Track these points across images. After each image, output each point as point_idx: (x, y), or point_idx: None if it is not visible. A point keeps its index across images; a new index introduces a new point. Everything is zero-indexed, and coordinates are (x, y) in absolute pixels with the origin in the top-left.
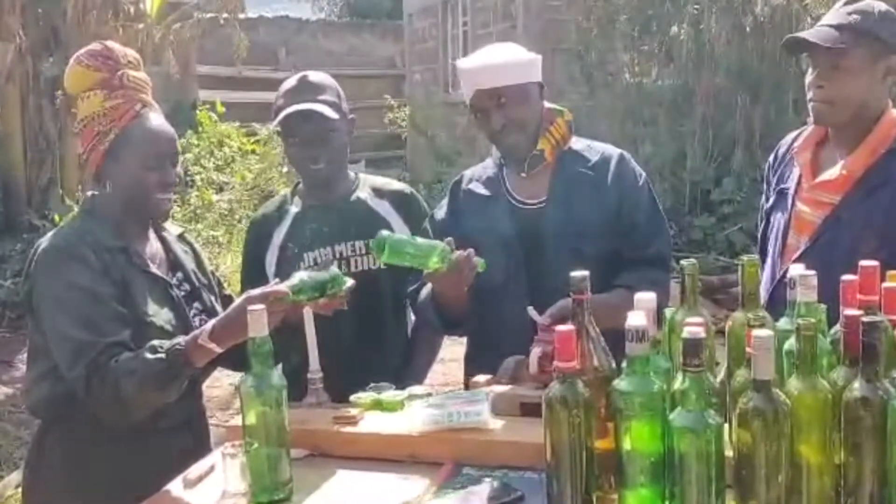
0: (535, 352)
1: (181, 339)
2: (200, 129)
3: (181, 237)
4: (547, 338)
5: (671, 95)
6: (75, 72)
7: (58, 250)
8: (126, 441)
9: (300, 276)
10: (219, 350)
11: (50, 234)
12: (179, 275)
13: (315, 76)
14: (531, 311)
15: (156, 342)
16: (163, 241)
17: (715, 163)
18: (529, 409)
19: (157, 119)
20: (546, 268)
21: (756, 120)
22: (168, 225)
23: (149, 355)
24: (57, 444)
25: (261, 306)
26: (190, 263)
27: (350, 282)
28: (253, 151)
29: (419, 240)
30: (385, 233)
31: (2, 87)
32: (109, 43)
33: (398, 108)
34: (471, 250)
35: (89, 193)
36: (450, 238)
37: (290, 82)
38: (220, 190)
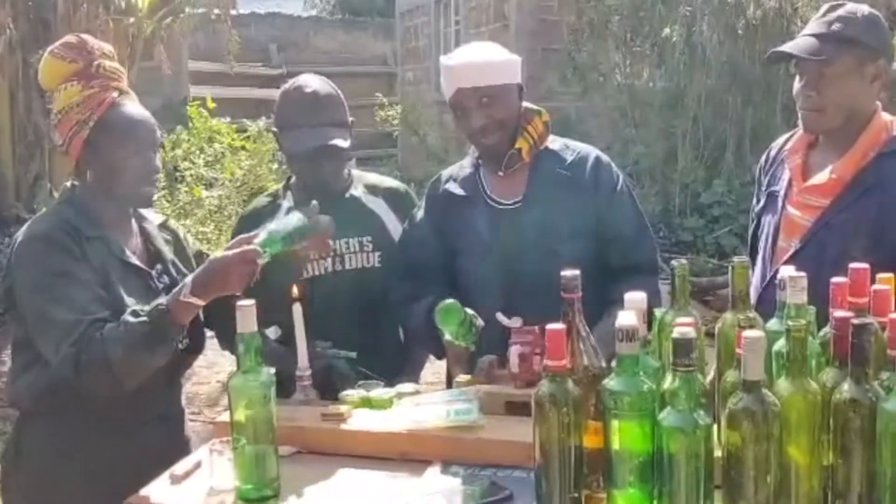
0: (514, 350)
1: (163, 300)
2: (191, 124)
3: (164, 225)
4: (523, 339)
5: (663, 97)
6: (50, 64)
7: (35, 238)
8: (104, 435)
9: (268, 227)
10: (201, 303)
11: (26, 225)
12: (159, 267)
13: (323, 89)
14: (500, 316)
15: (136, 307)
16: (143, 232)
17: (705, 165)
18: (515, 408)
19: (134, 106)
20: (522, 267)
21: (747, 122)
22: (151, 214)
23: (132, 319)
24: (35, 436)
25: (250, 302)
26: (170, 254)
27: (327, 219)
28: (243, 148)
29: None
30: (451, 302)
31: None
32: (83, 35)
33: (390, 107)
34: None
35: (67, 184)
36: (471, 311)
37: (297, 96)
38: (210, 186)
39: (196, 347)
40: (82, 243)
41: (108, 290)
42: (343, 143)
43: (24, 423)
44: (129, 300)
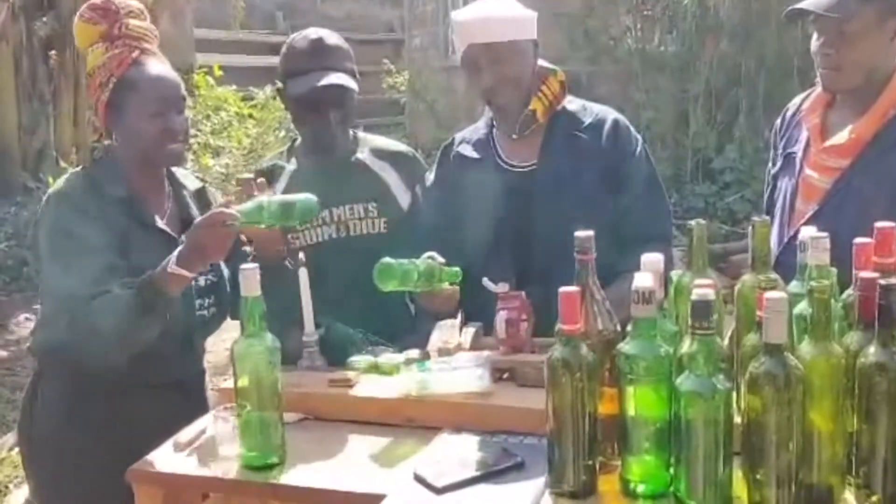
0: (501, 316)
1: (150, 272)
2: (197, 93)
3: (201, 192)
4: (510, 304)
5: (674, 61)
6: (78, 27)
7: (60, 198)
8: (115, 396)
9: (261, 200)
10: (190, 275)
11: (59, 180)
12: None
13: (329, 38)
14: (486, 281)
15: (127, 279)
16: (178, 197)
17: (717, 130)
18: (502, 374)
19: (156, 65)
20: (534, 232)
21: (760, 87)
22: (187, 180)
23: (119, 292)
24: (49, 391)
25: (253, 266)
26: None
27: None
28: (250, 116)
29: (406, 262)
30: (386, 260)
31: None
32: None
33: (397, 73)
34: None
35: (106, 142)
36: (432, 253)
37: (303, 44)
38: (217, 154)
39: (221, 314)
40: (105, 206)
41: (127, 256)
42: (350, 84)
43: (39, 377)
44: (149, 266)
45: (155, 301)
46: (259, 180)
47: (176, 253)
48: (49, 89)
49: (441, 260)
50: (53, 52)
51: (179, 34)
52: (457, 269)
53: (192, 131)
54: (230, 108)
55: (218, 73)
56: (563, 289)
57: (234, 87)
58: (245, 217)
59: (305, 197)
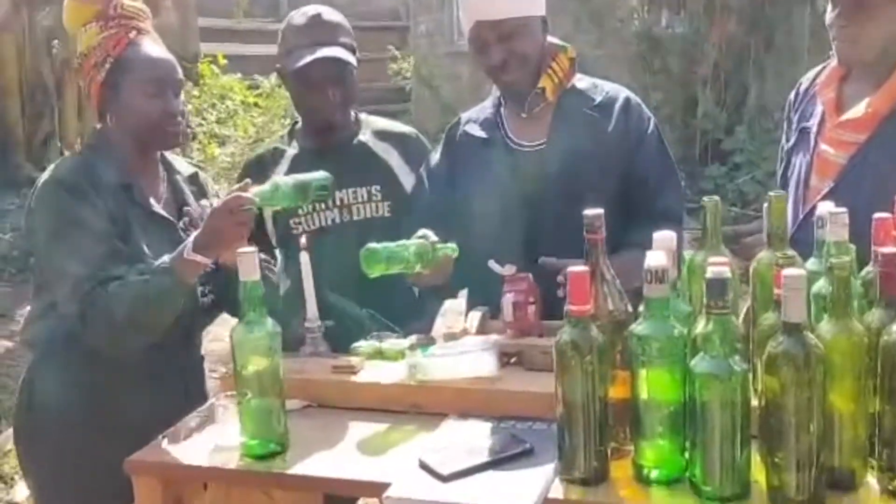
0: (508, 298)
1: (166, 258)
2: (202, 82)
3: (194, 177)
4: (517, 287)
5: (682, 42)
6: (70, 7)
7: (56, 184)
8: (117, 385)
9: (276, 180)
10: (206, 261)
11: (51, 167)
12: (186, 218)
13: (327, 14)
14: (492, 263)
15: (142, 266)
16: (172, 181)
17: (726, 111)
18: (509, 359)
19: (153, 45)
20: (543, 213)
21: (769, 67)
22: (180, 165)
23: (136, 278)
24: (48, 381)
25: (252, 249)
26: (197, 207)
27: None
28: (255, 104)
29: (393, 245)
30: (370, 246)
31: None
32: None
33: (402, 60)
34: (446, 253)
35: (97, 126)
36: (426, 231)
37: (300, 19)
38: (222, 144)
39: (220, 301)
40: (103, 192)
41: (127, 241)
42: (347, 57)
43: (36, 367)
44: (150, 251)
45: (171, 288)
46: (244, 182)
47: (192, 239)
48: (52, 80)
49: (434, 238)
50: (56, 41)
51: (182, 23)
52: (453, 244)
53: (198, 120)
54: (235, 96)
55: (222, 61)
56: (572, 269)
57: (239, 75)
58: (261, 200)
59: (320, 175)
